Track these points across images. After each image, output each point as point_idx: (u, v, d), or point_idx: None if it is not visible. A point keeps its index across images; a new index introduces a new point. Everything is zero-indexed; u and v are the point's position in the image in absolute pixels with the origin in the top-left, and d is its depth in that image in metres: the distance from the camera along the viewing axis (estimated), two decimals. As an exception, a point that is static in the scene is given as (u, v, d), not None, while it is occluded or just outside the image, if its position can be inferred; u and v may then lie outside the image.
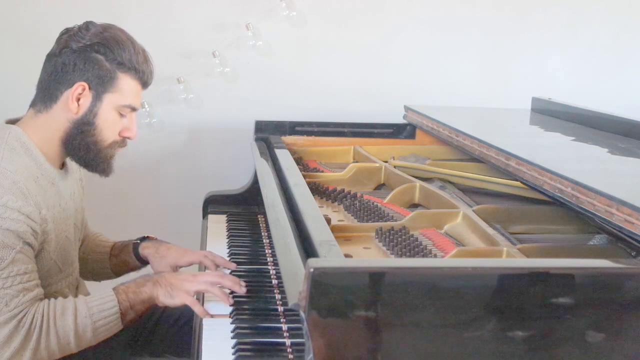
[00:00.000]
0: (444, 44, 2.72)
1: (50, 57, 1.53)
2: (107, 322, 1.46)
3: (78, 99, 1.51)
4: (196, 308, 1.52)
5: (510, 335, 1.04)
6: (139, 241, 1.84)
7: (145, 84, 1.58)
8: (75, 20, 1.59)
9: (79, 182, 1.71)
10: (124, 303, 1.48)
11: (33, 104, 1.56)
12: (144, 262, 1.83)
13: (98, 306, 1.46)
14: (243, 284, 1.57)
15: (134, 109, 1.57)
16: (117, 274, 1.87)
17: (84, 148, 1.54)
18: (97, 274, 1.87)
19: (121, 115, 1.56)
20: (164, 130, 2.63)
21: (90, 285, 1.82)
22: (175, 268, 1.77)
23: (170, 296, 1.50)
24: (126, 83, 1.53)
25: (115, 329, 1.49)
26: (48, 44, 1.56)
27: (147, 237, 1.86)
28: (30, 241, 1.42)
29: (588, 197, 1.32)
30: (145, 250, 1.82)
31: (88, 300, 1.47)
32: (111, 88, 1.52)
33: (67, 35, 1.52)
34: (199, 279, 1.54)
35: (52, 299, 1.46)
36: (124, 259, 1.84)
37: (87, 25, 1.54)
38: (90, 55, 1.50)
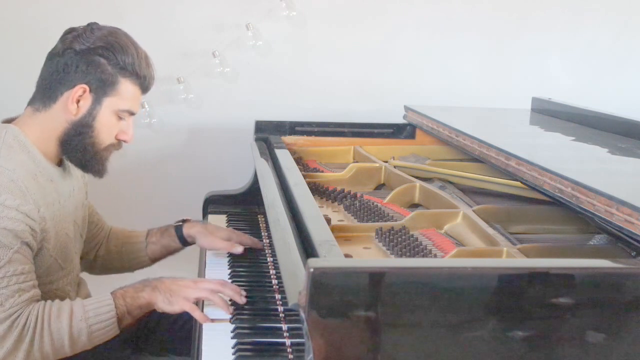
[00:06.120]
0: (444, 44, 2.72)
1: (52, 56, 1.53)
2: (103, 327, 1.44)
3: (78, 101, 1.51)
4: (196, 314, 1.48)
5: (510, 335, 1.04)
6: (181, 223, 1.87)
7: (145, 89, 1.59)
8: (76, 19, 1.59)
9: (81, 179, 1.70)
10: (121, 308, 1.46)
11: (31, 102, 1.55)
12: (187, 243, 1.86)
13: (94, 310, 1.44)
14: (244, 293, 1.54)
15: (132, 114, 1.57)
16: (154, 260, 1.89)
17: (80, 149, 1.54)
18: (132, 265, 1.89)
19: (119, 118, 1.56)
20: (164, 130, 2.63)
21: (91, 284, 1.82)
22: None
23: (169, 302, 1.48)
24: (126, 88, 1.54)
25: (112, 334, 1.47)
26: (49, 43, 1.55)
27: (186, 220, 1.89)
28: (28, 240, 1.42)
29: (588, 197, 1.31)
30: (192, 229, 1.85)
31: (85, 303, 1.46)
32: (111, 92, 1.52)
33: (72, 36, 1.52)
34: (199, 286, 1.51)
35: (49, 301, 1.45)
36: (165, 243, 1.86)
37: (92, 27, 1.53)
38: (93, 58, 1.50)
